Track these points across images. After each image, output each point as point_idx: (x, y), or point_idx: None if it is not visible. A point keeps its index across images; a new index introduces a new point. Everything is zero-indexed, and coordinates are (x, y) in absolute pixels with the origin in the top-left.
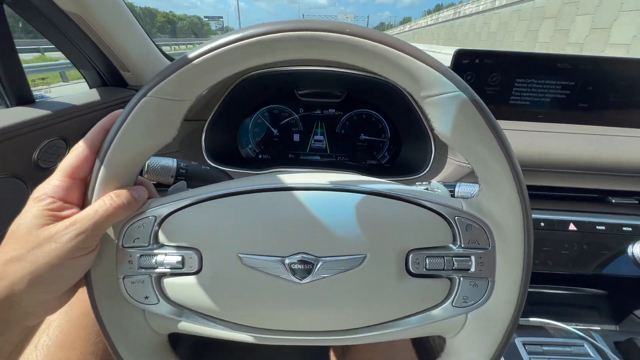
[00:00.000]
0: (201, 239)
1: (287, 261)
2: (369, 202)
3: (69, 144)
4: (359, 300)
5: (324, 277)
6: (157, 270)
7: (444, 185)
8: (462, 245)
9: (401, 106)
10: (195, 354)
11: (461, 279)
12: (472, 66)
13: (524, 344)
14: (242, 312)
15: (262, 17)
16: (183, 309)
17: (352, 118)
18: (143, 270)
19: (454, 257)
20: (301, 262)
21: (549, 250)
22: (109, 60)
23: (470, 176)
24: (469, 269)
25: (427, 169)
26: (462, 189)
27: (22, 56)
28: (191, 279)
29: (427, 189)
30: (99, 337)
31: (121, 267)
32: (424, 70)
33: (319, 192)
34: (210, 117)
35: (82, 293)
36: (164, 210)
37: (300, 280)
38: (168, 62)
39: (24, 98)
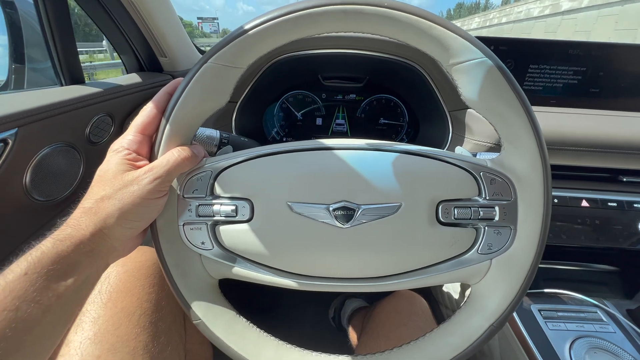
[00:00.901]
0: (253, 190)
1: (331, 208)
2: (402, 159)
3: (115, 120)
4: (395, 245)
5: (363, 223)
6: (213, 218)
7: None
8: (487, 197)
9: (420, 89)
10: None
11: (486, 227)
12: None
13: (540, 311)
14: (288, 257)
15: None
16: (235, 256)
17: (372, 103)
18: (200, 218)
19: (480, 207)
20: (344, 208)
21: (562, 225)
22: (149, 46)
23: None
24: (493, 218)
25: (445, 148)
26: (481, 156)
27: None
28: (243, 226)
29: None
30: (152, 287)
31: (182, 215)
32: (453, 39)
33: (358, 151)
34: (240, 100)
35: (136, 251)
36: (220, 164)
37: (343, 225)
38: (197, 51)
39: (77, 78)
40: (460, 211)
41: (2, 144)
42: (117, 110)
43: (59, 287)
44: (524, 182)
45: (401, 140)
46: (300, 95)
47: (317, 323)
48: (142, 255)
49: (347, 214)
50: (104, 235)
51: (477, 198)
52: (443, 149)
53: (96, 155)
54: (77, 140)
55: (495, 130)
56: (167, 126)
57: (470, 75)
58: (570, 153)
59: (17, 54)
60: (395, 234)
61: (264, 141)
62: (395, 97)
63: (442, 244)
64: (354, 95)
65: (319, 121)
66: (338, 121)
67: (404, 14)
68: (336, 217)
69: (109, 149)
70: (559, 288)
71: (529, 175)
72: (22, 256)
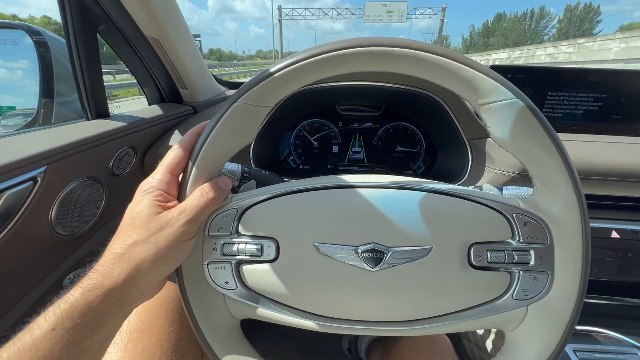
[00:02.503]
0: (278, 229)
1: (359, 250)
2: (431, 199)
3: (137, 152)
4: (425, 289)
5: (393, 266)
6: (237, 257)
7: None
8: (521, 240)
9: (438, 118)
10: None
11: (521, 272)
12: None
13: (575, 351)
14: (314, 299)
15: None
16: (259, 296)
17: (389, 130)
18: (225, 257)
19: (514, 251)
20: (372, 251)
21: (593, 258)
22: (171, 78)
23: (510, 183)
24: (529, 263)
25: (465, 177)
26: (509, 191)
27: None
28: (268, 266)
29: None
30: (172, 325)
31: (206, 253)
32: (482, 80)
33: (385, 190)
34: (259, 129)
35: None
36: (244, 202)
37: (372, 268)
38: (215, 81)
39: (102, 112)
40: (493, 254)
41: (31, 182)
42: (139, 142)
43: (85, 342)
44: (560, 225)
45: (418, 168)
46: (316, 123)
47: (330, 353)
48: (161, 292)
49: (376, 256)
50: (135, 282)
51: (510, 241)
52: (463, 177)
53: (117, 187)
54: (100, 174)
55: (526, 169)
56: (195, 165)
57: (500, 115)
58: (597, 182)
59: (47, 89)
60: (425, 278)
61: (280, 169)
62: (412, 124)
63: (474, 289)
64: (371, 123)
65: (335, 149)
66: (354, 149)
67: (433, 55)
68: (365, 260)
69: (138, 190)
70: (592, 325)
71: (565, 218)
72: (51, 308)
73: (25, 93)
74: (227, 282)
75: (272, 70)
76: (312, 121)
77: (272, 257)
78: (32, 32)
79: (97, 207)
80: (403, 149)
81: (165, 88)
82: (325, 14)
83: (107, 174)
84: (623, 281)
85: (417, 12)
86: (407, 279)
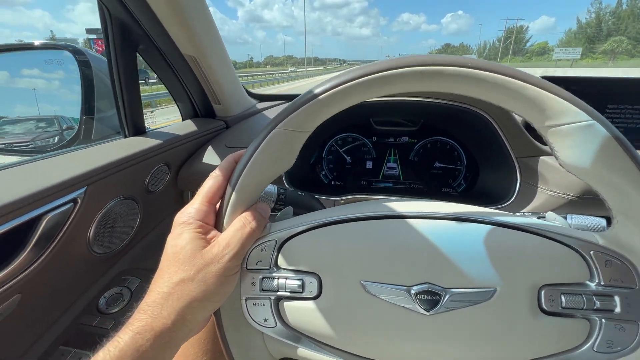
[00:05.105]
0: (321, 264)
1: (413, 291)
2: (494, 233)
3: (171, 168)
4: (488, 337)
5: (451, 310)
6: (277, 293)
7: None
8: (602, 283)
9: (482, 134)
10: None
11: (603, 320)
12: None
13: None
14: (361, 341)
15: (309, 50)
16: (299, 335)
17: (427, 146)
18: (264, 292)
19: (595, 295)
20: (428, 292)
21: None
22: (205, 94)
23: (565, 207)
24: (613, 310)
25: (513, 199)
26: (575, 220)
27: None
28: (310, 304)
29: (539, 217)
30: (205, 355)
31: (245, 288)
32: (550, 100)
33: (442, 222)
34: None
35: None
36: (283, 234)
37: (427, 311)
38: (247, 96)
39: (139, 129)
40: (569, 299)
41: (72, 203)
42: (174, 159)
43: None
44: None
45: (458, 186)
46: (349, 137)
47: None
48: None
49: (431, 299)
50: (185, 322)
51: (588, 283)
52: (510, 198)
53: (152, 203)
54: (136, 191)
55: (603, 199)
56: (234, 194)
57: (571, 139)
58: None
59: (87, 106)
60: (489, 325)
61: (311, 185)
62: (451, 139)
63: (546, 338)
64: (407, 138)
65: (369, 164)
66: (389, 164)
67: (492, 74)
68: (419, 302)
69: (176, 221)
70: None
71: None
72: (101, 353)
73: (69, 111)
74: (266, 320)
75: (313, 93)
76: (345, 135)
77: (314, 294)
78: (75, 52)
79: (132, 225)
80: (442, 165)
81: (199, 103)
82: None
83: (143, 191)
84: None
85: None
86: (467, 325)
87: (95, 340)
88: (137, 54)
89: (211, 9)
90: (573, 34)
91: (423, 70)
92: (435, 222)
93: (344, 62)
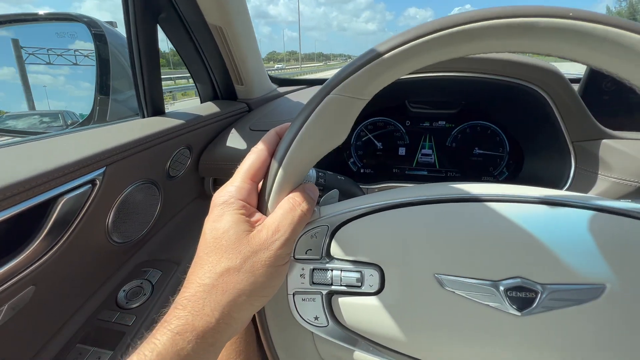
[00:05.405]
0: (385, 255)
1: (501, 287)
2: (598, 219)
3: (192, 151)
4: (596, 344)
5: (550, 310)
6: (331, 287)
7: None
8: None
9: (533, 114)
10: None
11: None
12: None
13: None
14: (433, 346)
15: (315, 45)
16: (356, 337)
17: (465, 131)
18: (315, 286)
19: None
20: (520, 289)
21: None
22: (227, 73)
23: (633, 195)
24: None
25: (567, 187)
26: None
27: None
28: (370, 300)
29: None
30: (239, 356)
31: (292, 281)
32: None
33: (530, 206)
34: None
35: None
36: (337, 218)
37: (520, 312)
38: (269, 78)
39: (158, 109)
40: None
41: (90, 185)
42: (195, 142)
43: None
44: None
45: (500, 174)
46: (380, 122)
47: None
48: None
49: (525, 296)
50: (230, 320)
51: None
52: (563, 187)
53: (173, 190)
54: (157, 176)
55: None
56: (281, 171)
57: None
58: None
59: (103, 86)
60: (597, 329)
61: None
62: (493, 124)
63: None
64: (444, 122)
65: (401, 151)
66: (424, 151)
67: (602, 26)
68: (509, 301)
69: (215, 201)
70: None
71: None
72: (134, 356)
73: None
74: (316, 318)
75: (376, 52)
76: (376, 119)
77: (375, 288)
78: (90, 24)
79: (152, 213)
80: (482, 151)
81: (220, 83)
82: None
83: (164, 176)
84: None
85: None
86: (569, 329)
87: (115, 337)
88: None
89: None
90: None
91: (511, 23)
92: (522, 206)
93: (349, 57)
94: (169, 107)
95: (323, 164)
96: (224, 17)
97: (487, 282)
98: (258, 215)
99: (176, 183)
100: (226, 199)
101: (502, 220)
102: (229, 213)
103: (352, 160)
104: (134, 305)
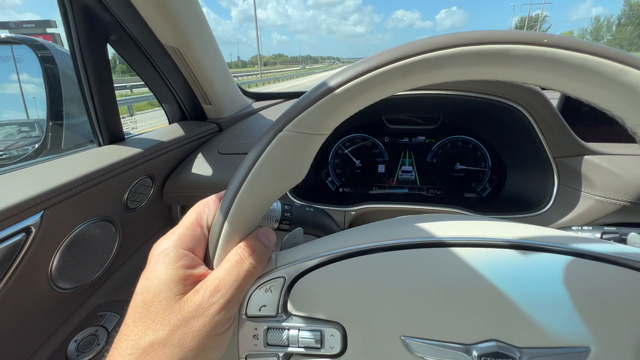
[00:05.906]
0: (346, 311)
1: (475, 351)
2: (577, 267)
3: (155, 181)
4: None
5: None
6: (288, 349)
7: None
8: None
9: (513, 130)
10: None
11: None
12: None
13: None
14: None
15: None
16: None
17: (446, 145)
18: (270, 348)
19: None
20: (496, 355)
21: None
22: (194, 93)
23: (617, 214)
24: None
25: (550, 204)
26: None
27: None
28: None
29: (616, 239)
30: None
31: (244, 343)
32: None
33: (507, 251)
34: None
35: None
36: (294, 268)
37: None
38: (242, 95)
39: (116, 136)
40: None
41: (23, 234)
42: (158, 170)
43: None
44: None
45: (482, 190)
46: (358, 138)
47: None
48: None
49: None
50: None
51: None
52: (546, 204)
53: (132, 223)
54: (113, 211)
55: None
56: (228, 220)
57: None
58: None
59: (54, 111)
60: None
61: (317, 194)
62: (474, 138)
63: None
64: (424, 137)
65: (381, 168)
66: (404, 168)
67: (578, 54)
68: None
69: (153, 252)
70: None
71: None
72: None
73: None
74: None
75: (332, 84)
76: (353, 136)
77: (336, 350)
78: (36, 46)
79: (108, 251)
80: (463, 167)
81: (186, 104)
82: None
83: (121, 210)
84: None
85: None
86: None
87: None
88: (108, 46)
89: (204, 9)
90: (625, 15)
91: (481, 51)
92: (494, 252)
93: (337, 60)
94: (131, 125)
95: (299, 185)
96: (180, 39)
97: (459, 347)
98: (202, 268)
99: (137, 215)
100: (163, 249)
101: (471, 272)
102: (165, 267)
103: (330, 179)
104: (86, 359)
